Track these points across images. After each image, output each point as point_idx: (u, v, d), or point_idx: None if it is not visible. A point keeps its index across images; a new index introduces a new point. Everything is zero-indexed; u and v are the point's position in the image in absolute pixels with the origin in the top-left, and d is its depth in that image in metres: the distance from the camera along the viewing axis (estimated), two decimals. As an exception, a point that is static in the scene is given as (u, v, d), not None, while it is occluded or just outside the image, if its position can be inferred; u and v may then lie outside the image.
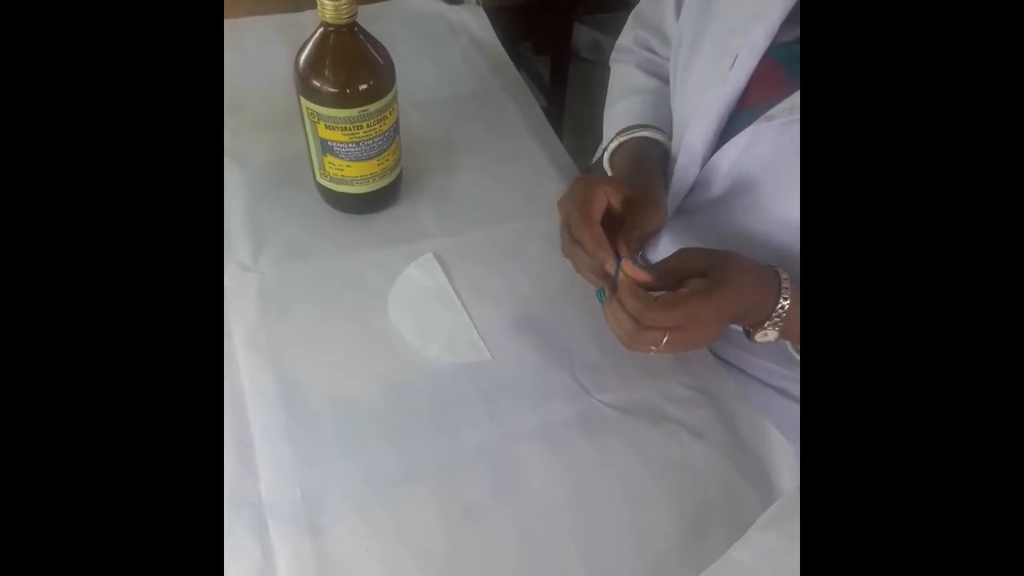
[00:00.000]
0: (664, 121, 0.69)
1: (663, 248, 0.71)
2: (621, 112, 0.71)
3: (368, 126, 0.63)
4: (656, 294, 0.51)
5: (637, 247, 0.56)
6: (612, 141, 0.69)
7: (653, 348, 0.51)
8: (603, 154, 0.70)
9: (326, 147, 0.65)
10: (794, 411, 0.64)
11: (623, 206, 0.57)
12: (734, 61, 0.58)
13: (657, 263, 0.53)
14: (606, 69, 0.80)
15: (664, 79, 0.72)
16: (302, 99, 0.63)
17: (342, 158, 0.65)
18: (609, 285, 0.54)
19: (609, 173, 0.69)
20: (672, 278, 0.52)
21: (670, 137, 0.68)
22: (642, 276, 0.51)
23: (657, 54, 0.75)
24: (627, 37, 0.78)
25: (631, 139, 0.68)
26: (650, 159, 0.66)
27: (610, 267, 0.54)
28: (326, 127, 0.63)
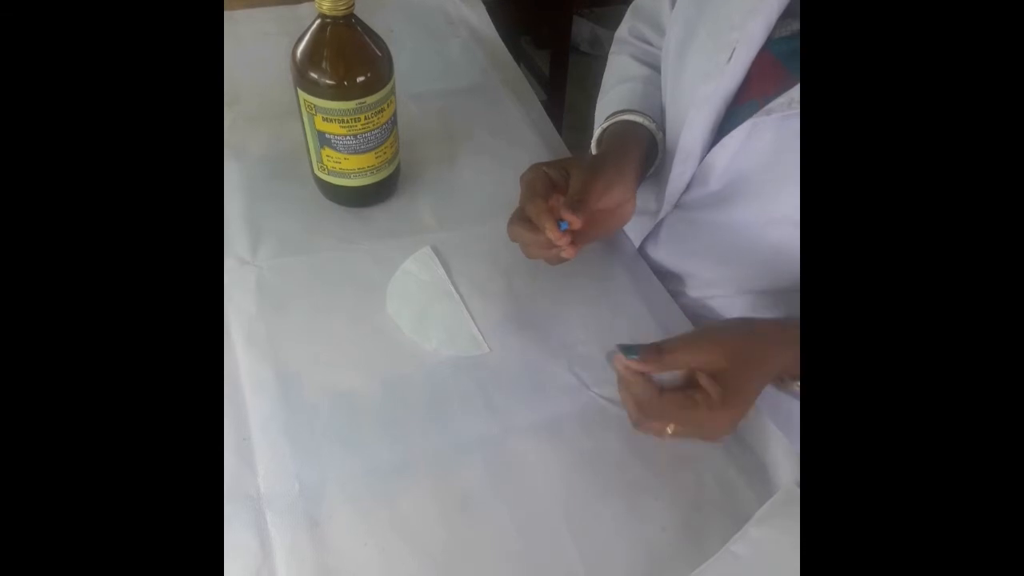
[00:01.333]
0: (652, 107, 0.69)
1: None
2: (610, 100, 0.71)
3: (366, 119, 0.63)
4: (667, 378, 0.51)
5: (578, 208, 0.55)
6: (599, 128, 0.69)
7: (658, 437, 0.52)
8: (592, 143, 0.70)
9: (324, 140, 0.65)
10: (793, 407, 0.64)
11: (563, 181, 0.59)
12: (731, 55, 0.58)
13: (663, 346, 0.50)
14: (605, 63, 0.80)
15: (658, 68, 0.72)
16: (299, 91, 0.62)
17: (340, 151, 0.65)
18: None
19: None
20: (677, 366, 0.50)
21: (655, 122, 0.68)
22: (634, 366, 0.50)
23: (652, 44, 0.75)
24: (624, 28, 0.78)
25: (613, 123, 0.68)
26: (624, 138, 0.66)
27: (550, 231, 0.55)
28: (323, 120, 0.63)
